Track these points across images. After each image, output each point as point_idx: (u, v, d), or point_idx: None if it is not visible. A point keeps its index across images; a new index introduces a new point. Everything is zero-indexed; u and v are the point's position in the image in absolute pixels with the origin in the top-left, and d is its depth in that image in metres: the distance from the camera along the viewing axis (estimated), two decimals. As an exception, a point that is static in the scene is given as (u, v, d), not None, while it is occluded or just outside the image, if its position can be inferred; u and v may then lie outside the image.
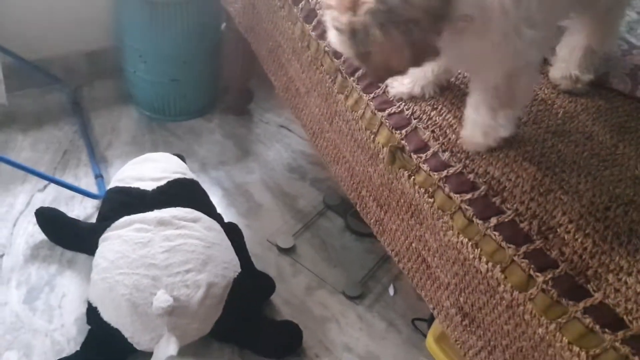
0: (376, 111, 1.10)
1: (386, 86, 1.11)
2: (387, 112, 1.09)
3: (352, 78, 1.16)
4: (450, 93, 1.09)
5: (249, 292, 1.35)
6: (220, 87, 1.90)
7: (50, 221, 1.49)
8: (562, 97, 1.12)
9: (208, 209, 1.44)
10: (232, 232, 1.44)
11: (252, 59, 1.64)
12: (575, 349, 0.80)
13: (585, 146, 1.01)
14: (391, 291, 1.50)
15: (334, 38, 0.84)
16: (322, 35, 1.22)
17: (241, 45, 1.67)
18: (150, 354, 1.23)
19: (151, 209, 1.36)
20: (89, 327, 1.29)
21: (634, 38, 1.24)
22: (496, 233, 0.90)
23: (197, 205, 1.41)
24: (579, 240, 0.86)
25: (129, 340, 1.25)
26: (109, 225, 1.36)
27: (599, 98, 1.12)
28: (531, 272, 0.85)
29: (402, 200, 1.07)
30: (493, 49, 0.84)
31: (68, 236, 1.49)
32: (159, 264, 1.25)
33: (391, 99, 1.10)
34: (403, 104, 1.08)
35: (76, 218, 1.53)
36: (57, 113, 1.82)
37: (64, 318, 1.35)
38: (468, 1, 0.79)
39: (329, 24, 0.83)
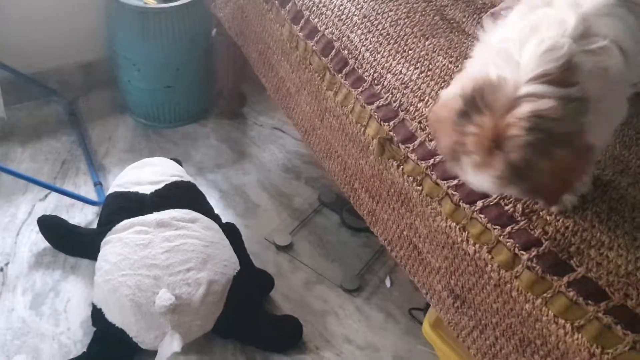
0: (365, 104, 1.14)
1: (373, 80, 1.15)
2: (375, 105, 1.12)
3: (340, 75, 1.19)
4: (436, 84, 1.12)
5: (248, 288, 1.39)
6: (213, 92, 1.94)
7: (53, 228, 1.53)
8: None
9: (206, 210, 1.48)
10: (231, 231, 1.48)
11: (243, 64, 1.68)
12: (561, 321, 0.84)
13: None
14: (388, 283, 1.53)
15: (485, 183, 0.76)
16: (310, 35, 1.26)
17: (232, 50, 1.71)
18: (155, 352, 1.26)
19: (150, 212, 1.40)
20: (95, 328, 1.33)
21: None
22: (482, 216, 0.93)
23: (195, 206, 1.45)
24: (561, 220, 0.90)
25: (134, 339, 1.29)
26: (109, 229, 1.40)
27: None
28: (516, 251, 0.89)
29: (392, 190, 1.11)
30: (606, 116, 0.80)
31: (70, 242, 1.53)
32: (160, 264, 1.29)
33: (379, 92, 1.13)
34: (390, 95, 1.12)
35: (77, 225, 1.56)
36: (55, 125, 1.85)
37: (70, 321, 1.38)
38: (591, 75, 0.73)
39: (469, 172, 0.76)
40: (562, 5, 0.77)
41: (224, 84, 1.88)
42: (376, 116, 1.11)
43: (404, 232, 1.12)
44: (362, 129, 1.14)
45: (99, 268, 1.35)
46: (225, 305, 1.33)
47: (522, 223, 0.91)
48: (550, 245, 0.88)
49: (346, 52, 1.21)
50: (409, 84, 1.12)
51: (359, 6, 1.26)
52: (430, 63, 1.15)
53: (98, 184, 1.68)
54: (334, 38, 1.23)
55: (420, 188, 1.03)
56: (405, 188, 1.07)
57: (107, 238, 1.39)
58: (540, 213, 0.91)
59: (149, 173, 1.49)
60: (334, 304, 1.48)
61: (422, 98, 1.10)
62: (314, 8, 1.28)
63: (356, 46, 1.20)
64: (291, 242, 1.60)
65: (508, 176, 0.72)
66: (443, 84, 1.11)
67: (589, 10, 0.76)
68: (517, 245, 0.89)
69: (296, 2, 1.31)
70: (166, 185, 1.47)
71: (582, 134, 0.72)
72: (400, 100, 1.11)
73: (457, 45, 1.18)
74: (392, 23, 1.23)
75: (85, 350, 1.31)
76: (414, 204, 1.06)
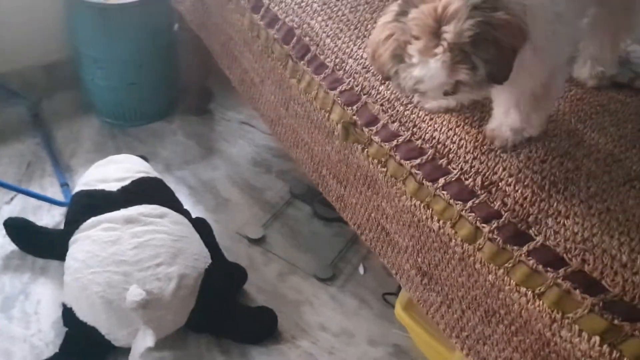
0: (328, 90, 1.15)
1: (335, 65, 1.16)
2: (338, 90, 1.14)
3: (302, 62, 1.20)
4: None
5: (221, 281, 1.39)
6: (179, 88, 1.93)
7: (20, 231, 1.50)
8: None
9: (175, 205, 1.47)
10: (201, 226, 1.47)
11: (207, 58, 1.68)
12: (523, 289, 0.86)
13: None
14: (361, 270, 1.54)
15: (433, 69, 0.78)
16: (270, 23, 1.27)
17: (196, 44, 1.70)
18: (129, 349, 1.25)
19: (117, 209, 1.38)
20: (66, 328, 1.31)
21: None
22: (444, 192, 0.95)
23: (163, 201, 1.44)
24: (519, 191, 0.92)
25: (106, 337, 1.28)
26: (77, 228, 1.38)
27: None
28: (478, 224, 0.90)
29: (358, 174, 1.12)
30: (534, 53, 0.84)
31: (38, 244, 1.51)
32: (129, 260, 1.28)
33: (342, 77, 1.14)
34: (353, 80, 1.13)
35: (45, 226, 1.54)
36: (19, 127, 1.83)
37: (41, 323, 1.37)
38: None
39: (417, 64, 0.79)
40: None
41: (189, 79, 1.88)
42: (339, 101, 1.13)
43: (372, 215, 1.13)
44: (327, 115, 1.15)
45: (67, 267, 1.33)
46: (198, 299, 1.33)
47: (482, 196, 0.92)
48: (509, 216, 0.90)
49: (307, 39, 1.22)
50: (370, 67, 1.14)
51: (318, -7, 1.27)
52: (390, 47, 1.16)
53: (64, 185, 1.66)
54: (295, 25, 1.24)
55: (384, 169, 1.04)
56: (371, 170, 1.08)
57: (75, 237, 1.37)
58: (500, 184, 0.93)
59: (114, 170, 1.48)
60: (308, 294, 1.48)
61: (383, 82, 1.11)
62: (274, -4, 1.29)
63: (317, 33, 1.21)
64: (263, 235, 1.60)
65: (456, 53, 0.76)
66: (403, 66, 1.13)
67: None
68: (478, 218, 0.91)
69: (256, -9, 1.31)
70: (133, 181, 1.45)
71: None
72: (362, 84, 1.12)
73: (415, 29, 1.20)
74: (352, 9, 1.25)
75: (57, 351, 1.29)
76: (380, 185, 1.08)
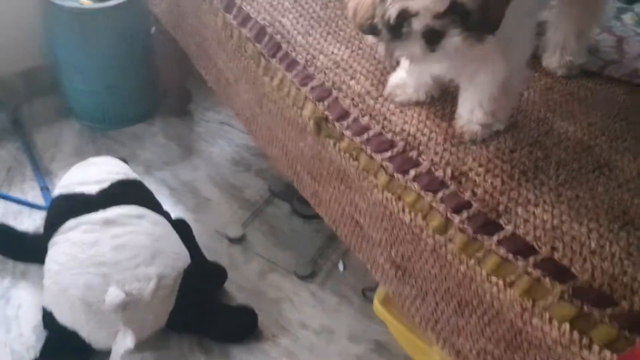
0: (300, 87, 1.15)
1: (306, 62, 1.16)
2: (309, 86, 1.14)
3: (274, 60, 1.20)
4: (366, 62, 1.14)
5: (200, 281, 1.38)
6: (158, 90, 1.93)
7: (0, 236, 1.50)
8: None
9: (154, 206, 1.46)
10: (180, 226, 1.47)
11: (186, 59, 1.67)
12: (494, 279, 0.86)
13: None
14: (341, 267, 1.55)
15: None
16: (243, 22, 1.27)
17: (173, 46, 1.70)
18: (110, 353, 1.25)
19: (96, 211, 1.38)
20: (47, 332, 1.31)
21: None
22: (415, 184, 0.95)
23: (142, 203, 1.43)
24: (489, 181, 0.93)
25: (87, 340, 1.27)
26: (56, 231, 1.38)
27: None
28: (448, 214, 0.91)
29: (331, 168, 1.12)
30: (497, 46, 0.86)
31: (18, 248, 1.50)
32: (108, 261, 1.27)
33: (313, 73, 1.15)
34: (324, 76, 1.13)
35: (25, 231, 1.54)
36: (-1, 133, 1.82)
37: (22, 327, 1.36)
38: None
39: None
40: None
41: (168, 81, 1.88)
42: (311, 97, 1.13)
43: (346, 209, 1.13)
44: (299, 111, 1.15)
45: (47, 270, 1.33)
46: (178, 299, 1.32)
47: (452, 187, 0.93)
48: (479, 206, 0.90)
49: (279, 36, 1.22)
50: (341, 63, 1.14)
51: (290, -9, 1.28)
52: (361, 42, 1.17)
53: (45, 189, 1.66)
54: (267, 24, 1.24)
55: (356, 163, 1.04)
56: (343, 165, 1.08)
57: (54, 239, 1.37)
58: (469, 174, 0.93)
59: (93, 172, 1.47)
60: (288, 291, 1.48)
61: (353, 76, 1.12)
62: (246, -5, 1.29)
63: (288, 30, 1.22)
64: (243, 233, 1.60)
65: None
66: (373, 62, 1.14)
67: None
68: (448, 209, 0.91)
69: (228, -9, 1.31)
70: (112, 184, 1.45)
71: None
72: (333, 80, 1.12)
73: (387, 23, 1.20)
74: (323, 6, 1.25)
75: (38, 355, 1.29)
76: (352, 179, 1.08)
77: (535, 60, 1.15)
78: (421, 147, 0.99)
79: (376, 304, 1.27)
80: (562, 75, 1.13)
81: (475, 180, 0.93)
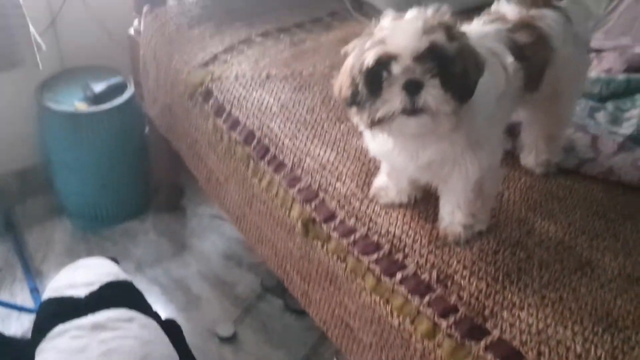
0: (288, 188, 1.18)
1: (293, 164, 1.19)
2: (297, 187, 1.17)
3: (262, 162, 1.24)
4: (352, 164, 1.18)
5: (190, 385, 1.35)
6: (151, 186, 1.96)
7: (-15, 342, 1.47)
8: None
9: (143, 308, 1.45)
10: (171, 327, 1.45)
11: (178, 157, 1.72)
12: (484, 386, 0.85)
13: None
14: (334, 364, 1.52)
15: (406, 26, 0.84)
16: (232, 126, 1.31)
17: (166, 145, 1.75)
18: None
19: (85, 314, 1.37)
20: None
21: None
22: (402, 287, 0.96)
23: (131, 305, 1.42)
24: (474, 283, 0.94)
25: None
26: (44, 336, 1.36)
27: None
28: (436, 319, 0.91)
29: (320, 269, 1.13)
30: (467, 147, 0.91)
31: (5, 356, 1.47)
32: (96, 368, 1.25)
33: (300, 175, 1.18)
34: (310, 178, 1.16)
35: (13, 335, 1.51)
36: (-10, 234, 1.83)
37: None
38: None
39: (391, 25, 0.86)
40: None
41: (160, 178, 1.91)
42: (298, 198, 1.15)
43: (336, 311, 1.13)
44: (287, 212, 1.17)
45: (33, 379, 1.30)
46: (167, 404, 1.29)
47: (438, 290, 0.93)
48: (465, 310, 0.90)
49: (267, 140, 1.26)
50: (327, 165, 1.18)
51: (277, 97, 1.33)
52: (346, 144, 1.21)
53: (35, 291, 1.65)
54: (255, 128, 1.28)
55: (344, 265, 1.06)
56: (331, 266, 1.09)
57: (41, 346, 1.34)
58: (455, 277, 0.94)
59: (82, 275, 1.46)
60: (281, 392, 1.45)
61: (339, 178, 1.15)
62: (235, 102, 1.35)
63: (276, 134, 1.26)
64: (234, 331, 1.58)
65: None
66: (357, 164, 1.17)
67: None
68: (436, 313, 0.91)
69: (218, 97, 1.37)
70: (101, 286, 1.44)
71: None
72: (320, 182, 1.15)
73: (370, 126, 1.25)
74: (309, 110, 1.30)
75: None
76: (341, 281, 1.08)
77: (514, 159, 1.19)
78: (406, 250, 1.01)
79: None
80: (540, 174, 1.16)
81: (461, 284, 0.94)
